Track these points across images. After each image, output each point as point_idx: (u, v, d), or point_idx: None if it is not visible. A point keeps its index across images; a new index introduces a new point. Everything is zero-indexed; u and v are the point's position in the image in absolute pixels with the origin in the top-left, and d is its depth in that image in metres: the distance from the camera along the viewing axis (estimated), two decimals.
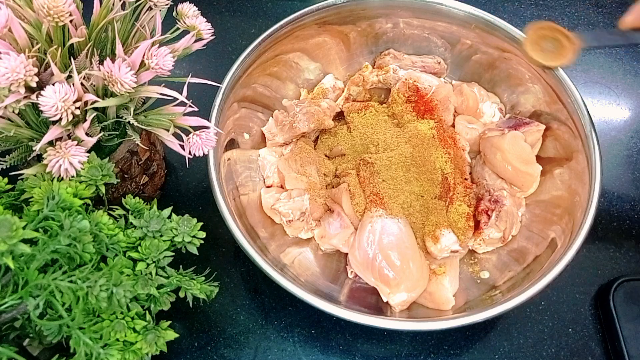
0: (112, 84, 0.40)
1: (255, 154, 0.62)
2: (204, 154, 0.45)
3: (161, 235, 0.44)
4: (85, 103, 0.40)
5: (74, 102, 0.38)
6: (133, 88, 0.40)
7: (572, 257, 0.49)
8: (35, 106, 0.40)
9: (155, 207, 0.46)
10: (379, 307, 0.54)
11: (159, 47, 0.42)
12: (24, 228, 0.35)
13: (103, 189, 0.44)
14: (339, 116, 0.66)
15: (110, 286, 0.38)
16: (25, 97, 0.38)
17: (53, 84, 0.38)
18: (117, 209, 0.46)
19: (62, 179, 0.41)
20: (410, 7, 0.64)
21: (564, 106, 0.58)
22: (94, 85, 0.42)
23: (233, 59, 0.58)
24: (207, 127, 0.45)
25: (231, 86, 0.57)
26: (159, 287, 0.44)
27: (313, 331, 0.57)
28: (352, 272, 0.56)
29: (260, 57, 0.60)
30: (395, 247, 0.53)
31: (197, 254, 0.45)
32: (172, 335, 0.44)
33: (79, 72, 0.40)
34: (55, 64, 0.39)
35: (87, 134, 0.41)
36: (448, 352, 0.56)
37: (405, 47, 0.69)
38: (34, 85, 0.38)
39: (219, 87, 0.56)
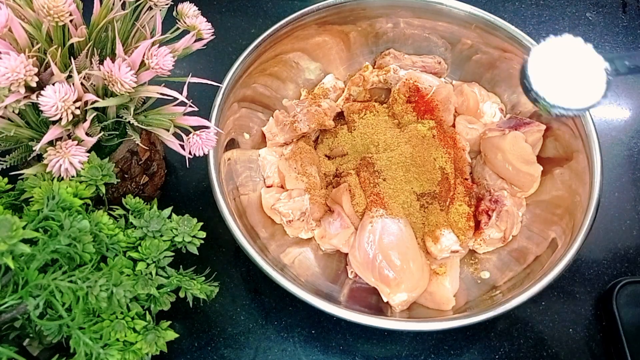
0: (112, 84, 0.40)
1: (255, 154, 0.62)
2: (204, 153, 0.45)
3: (161, 235, 0.44)
4: (85, 103, 0.40)
5: (74, 102, 0.38)
6: (133, 88, 0.40)
7: (572, 257, 0.49)
8: (35, 106, 0.40)
9: (155, 207, 0.46)
10: (379, 307, 0.54)
11: (159, 47, 0.42)
12: (24, 228, 0.35)
13: (103, 189, 0.44)
14: (340, 116, 0.66)
15: (110, 286, 0.38)
16: (25, 97, 0.38)
17: (53, 84, 0.38)
18: (117, 209, 0.46)
19: (62, 178, 0.41)
20: (411, 7, 0.64)
21: None
22: (94, 85, 0.42)
23: (233, 59, 0.58)
24: (207, 127, 0.45)
25: (231, 86, 0.57)
26: (159, 287, 0.44)
27: (313, 331, 0.57)
28: (352, 272, 0.56)
29: (261, 57, 0.60)
30: (395, 247, 0.53)
31: (197, 254, 0.45)
32: (172, 335, 0.44)
33: (79, 72, 0.40)
34: (55, 64, 0.39)
35: (87, 134, 0.41)
36: (448, 352, 0.56)
37: (406, 47, 0.69)
38: (34, 85, 0.38)
39: (219, 87, 0.56)
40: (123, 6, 0.43)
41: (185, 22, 0.47)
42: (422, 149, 0.59)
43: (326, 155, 0.64)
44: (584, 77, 0.37)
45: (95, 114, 0.42)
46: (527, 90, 0.37)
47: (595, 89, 0.37)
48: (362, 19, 0.65)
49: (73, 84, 0.39)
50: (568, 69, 0.37)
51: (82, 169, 0.42)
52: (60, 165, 0.40)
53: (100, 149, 0.49)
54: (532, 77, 0.37)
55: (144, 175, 0.58)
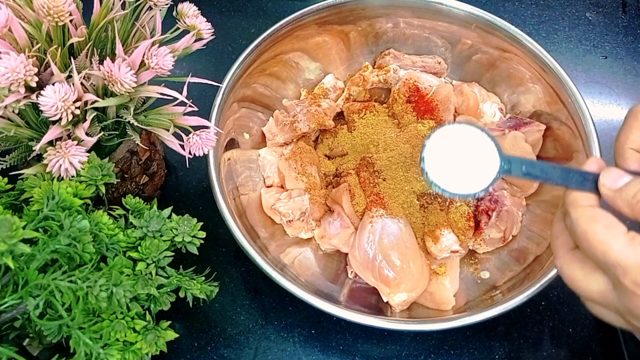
0: (112, 84, 0.40)
1: (255, 153, 0.62)
2: (204, 153, 0.45)
3: (161, 235, 0.44)
4: (85, 103, 0.40)
5: (74, 102, 0.38)
6: (133, 88, 0.40)
7: None
8: (35, 106, 0.40)
9: (155, 207, 0.46)
10: (379, 307, 0.54)
11: (159, 46, 0.42)
12: (24, 228, 0.35)
13: (103, 189, 0.44)
14: (340, 116, 0.66)
15: (110, 286, 0.38)
16: (25, 97, 0.38)
17: (53, 84, 0.38)
18: (117, 209, 0.46)
19: (62, 178, 0.41)
20: (411, 7, 0.64)
21: (564, 106, 0.58)
22: (94, 85, 0.42)
23: (233, 59, 0.58)
24: (207, 127, 0.45)
25: (231, 86, 0.57)
26: (159, 287, 0.44)
27: (313, 331, 0.57)
28: (352, 272, 0.56)
29: (260, 57, 0.60)
30: (395, 247, 0.53)
31: (197, 254, 0.45)
32: (172, 335, 0.44)
33: (79, 72, 0.40)
34: (55, 64, 0.39)
35: (87, 134, 0.41)
36: (448, 352, 0.56)
37: (406, 47, 0.69)
38: (34, 85, 0.38)
39: (219, 87, 0.56)
40: (123, 6, 0.43)
41: (185, 22, 0.47)
42: None
43: (326, 155, 0.64)
44: (475, 167, 0.39)
45: (95, 114, 0.42)
46: (422, 171, 0.40)
47: (483, 180, 0.39)
48: (362, 19, 0.65)
49: (73, 84, 0.39)
50: (462, 156, 0.40)
51: (82, 169, 0.42)
52: (60, 165, 0.40)
53: (100, 149, 0.49)
54: (427, 160, 0.39)
55: (144, 175, 0.58)
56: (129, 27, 0.46)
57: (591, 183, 0.36)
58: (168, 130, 0.45)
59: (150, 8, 0.46)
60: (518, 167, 0.39)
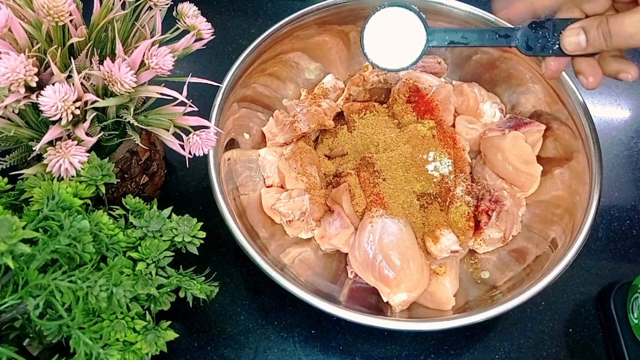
0: (112, 84, 0.40)
1: (255, 153, 0.62)
2: (204, 153, 0.45)
3: (161, 235, 0.44)
4: (85, 103, 0.40)
5: (74, 102, 0.38)
6: (133, 88, 0.40)
7: (572, 257, 0.49)
8: (35, 106, 0.40)
9: (155, 207, 0.46)
10: (379, 307, 0.54)
11: (159, 46, 0.42)
12: (24, 228, 0.35)
13: (103, 189, 0.44)
14: (340, 116, 0.66)
15: (110, 286, 0.38)
16: (25, 97, 0.38)
17: (53, 84, 0.38)
18: (117, 209, 0.46)
19: (62, 178, 0.41)
20: None
21: (564, 106, 0.58)
22: (94, 85, 0.42)
23: (233, 59, 0.58)
24: (207, 127, 0.45)
25: (231, 86, 0.57)
26: (159, 287, 0.44)
27: (313, 331, 0.57)
28: (352, 272, 0.56)
29: (260, 57, 0.60)
30: (395, 247, 0.53)
31: (197, 254, 0.45)
32: (172, 335, 0.44)
33: (79, 72, 0.40)
34: (55, 64, 0.39)
35: (87, 134, 0.41)
36: (448, 353, 0.56)
37: None
38: (34, 85, 0.38)
39: (219, 87, 0.56)
40: (123, 6, 0.43)
41: (185, 22, 0.47)
42: (422, 149, 0.59)
43: (326, 155, 0.64)
44: (407, 44, 0.45)
45: (95, 114, 0.42)
46: (362, 49, 0.46)
47: (413, 54, 0.45)
48: (362, 19, 0.65)
49: (73, 84, 0.39)
50: (394, 35, 0.45)
51: (82, 169, 0.42)
52: (60, 165, 0.40)
53: (100, 149, 0.49)
54: (366, 40, 0.45)
55: (144, 175, 0.58)
56: (129, 27, 0.46)
57: (503, 38, 0.43)
58: (168, 130, 0.45)
59: (150, 8, 0.46)
60: (442, 38, 0.44)
